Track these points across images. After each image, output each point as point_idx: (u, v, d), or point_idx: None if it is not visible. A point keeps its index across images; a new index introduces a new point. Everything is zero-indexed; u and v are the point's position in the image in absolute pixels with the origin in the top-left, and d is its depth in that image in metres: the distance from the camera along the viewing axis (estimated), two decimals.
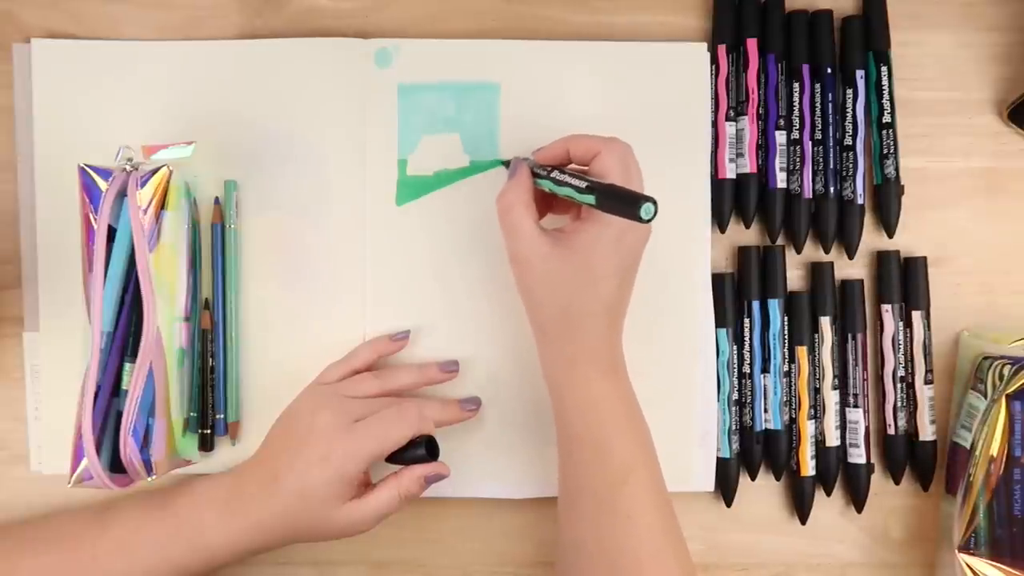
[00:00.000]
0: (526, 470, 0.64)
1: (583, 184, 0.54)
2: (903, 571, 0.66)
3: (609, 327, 0.57)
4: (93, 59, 0.64)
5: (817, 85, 0.66)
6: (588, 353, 0.57)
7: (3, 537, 0.61)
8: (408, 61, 0.64)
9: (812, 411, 0.65)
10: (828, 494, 0.66)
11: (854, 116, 0.65)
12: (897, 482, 0.66)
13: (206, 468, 0.63)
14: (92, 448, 0.57)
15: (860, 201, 0.65)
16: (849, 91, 0.66)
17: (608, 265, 0.55)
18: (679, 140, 0.65)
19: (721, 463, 0.65)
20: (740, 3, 0.66)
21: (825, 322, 0.65)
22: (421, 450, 0.59)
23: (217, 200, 0.64)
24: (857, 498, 0.65)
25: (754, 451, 0.65)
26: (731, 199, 0.65)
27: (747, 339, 0.65)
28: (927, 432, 0.65)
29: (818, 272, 0.66)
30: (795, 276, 0.67)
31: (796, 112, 0.65)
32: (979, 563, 0.60)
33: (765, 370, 0.65)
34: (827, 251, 0.66)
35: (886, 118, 0.65)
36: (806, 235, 0.66)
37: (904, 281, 0.66)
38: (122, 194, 0.58)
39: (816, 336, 0.65)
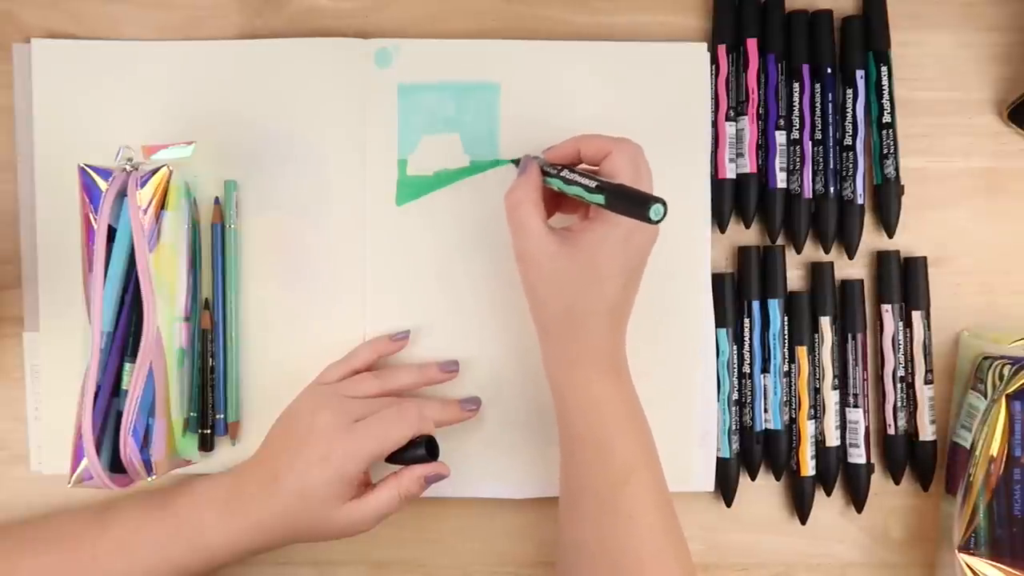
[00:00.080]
0: (526, 470, 0.64)
1: (593, 184, 0.54)
2: (903, 571, 0.66)
3: (613, 327, 0.57)
4: (93, 59, 0.64)
5: (817, 85, 0.66)
6: (591, 353, 0.57)
7: (3, 537, 0.61)
8: (408, 61, 0.64)
9: (812, 411, 0.65)
10: (828, 494, 0.66)
11: (854, 116, 0.65)
12: (897, 482, 0.66)
13: (206, 468, 0.63)
14: (92, 448, 0.57)
15: (860, 201, 0.65)
16: (849, 91, 0.66)
17: (614, 265, 0.55)
18: (679, 140, 0.65)
19: (721, 463, 0.65)
20: (740, 3, 0.66)
21: (825, 322, 0.65)
22: (421, 450, 0.59)
23: (217, 200, 0.64)
24: (857, 498, 0.65)
25: (754, 451, 0.65)
26: (731, 199, 0.66)
27: (747, 339, 0.65)
28: (927, 432, 0.65)
29: (818, 272, 0.66)
30: (795, 276, 0.67)
31: (796, 112, 0.65)
32: (979, 563, 0.60)
33: (765, 370, 0.65)
34: (827, 251, 0.66)
35: (886, 118, 0.65)
36: (806, 235, 0.66)
37: (904, 281, 0.66)
38: (122, 194, 0.58)
39: (816, 336, 0.65)
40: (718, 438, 0.65)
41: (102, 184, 0.58)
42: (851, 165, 0.65)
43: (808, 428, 0.65)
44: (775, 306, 0.65)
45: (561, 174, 0.56)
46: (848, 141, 0.65)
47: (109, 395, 0.58)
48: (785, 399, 0.65)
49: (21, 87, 0.64)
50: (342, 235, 0.64)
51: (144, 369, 0.58)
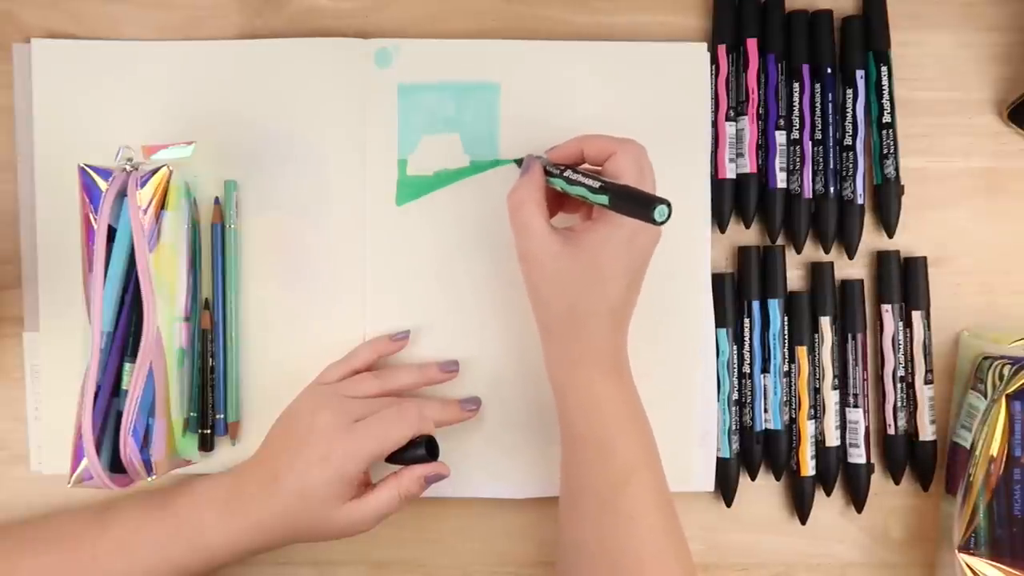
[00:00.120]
0: (527, 470, 0.64)
1: (597, 184, 0.54)
2: (903, 571, 0.66)
3: (615, 328, 0.57)
4: (93, 59, 0.64)
5: (817, 85, 0.66)
6: (593, 353, 0.57)
7: (3, 537, 0.61)
8: (408, 61, 0.64)
9: (812, 411, 0.65)
10: (828, 494, 0.66)
11: (854, 116, 0.65)
12: (897, 482, 0.66)
13: (206, 468, 0.63)
14: (92, 448, 0.57)
15: (860, 201, 0.65)
16: (849, 91, 0.66)
17: (617, 266, 0.55)
18: (679, 140, 0.65)
19: (721, 463, 0.65)
20: (740, 3, 0.66)
21: (825, 322, 0.65)
22: (421, 450, 0.59)
23: (217, 200, 0.64)
24: (857, 498, 0.65)
25: (754, 451, 0.65)
26: (731, 199, 0.66)
27: (747, 339, 0.65)
28: (927, 432, 0.65)
29: (818, 272, 0.66)
30: (795, 276, 0.67)
31: (796, 112, 0.65)
32: (979, 563, 0.60)
33: (765, 370, 0.65)
34: (827, 251, 0.66)
35: (886, 118, 0.65)
36: (806, 235, 0.66)
37: (904, 281, 0.66)
38: (122, 194, 0.58)
39: (816, 336, 0.65)
40: (718, 438, 0.65)
41: (102, 184, 0.58)
42: (851, 165, 0.65)
43: (808, 428, 0.65)
44: (775, 306, 0.65)
45: (564, 174, 0.56)
46: (848, 141, 0.65)
47: (109, 395, 0.58)
48: (785, 399, 0.65)
49: (21, 87, 0.64)
50: (342, 235, 0.64)
51: (144, 369, 0.58)
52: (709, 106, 0.65)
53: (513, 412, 0.64)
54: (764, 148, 0.66)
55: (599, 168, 0.57)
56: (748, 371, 0.65)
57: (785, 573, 0.66)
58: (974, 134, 0.67)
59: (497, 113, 0.65)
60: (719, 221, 0.66)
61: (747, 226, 0.66)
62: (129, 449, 0.57)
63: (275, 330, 0.64)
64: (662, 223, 0.51)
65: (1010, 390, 0.60)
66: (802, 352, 0.65)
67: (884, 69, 0.65)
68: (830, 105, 0.65)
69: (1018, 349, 0.63)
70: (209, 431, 0.63)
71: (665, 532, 0.56)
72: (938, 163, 0.67)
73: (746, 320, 0.65)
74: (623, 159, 0.56)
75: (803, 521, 0.66)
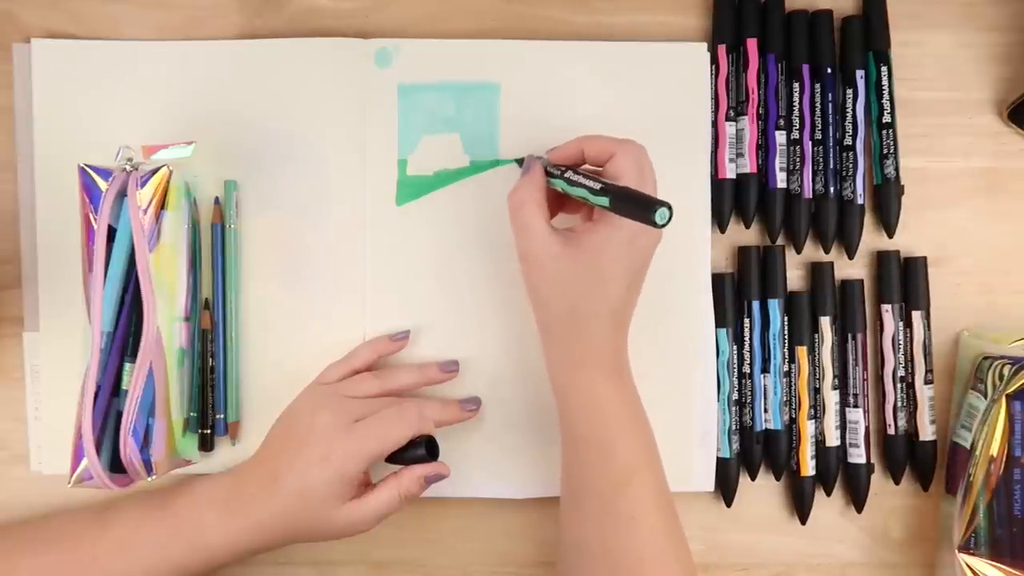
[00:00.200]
0: (527, 470, 0.64)
1: (597, 186, 0.54)
2: (903, 571, 0.66)
3: (615, 329, 0.57)
4: (93, 59, 0.64)
5: (817, 85, 0.66)
6: (594, 354, 0.57)
7: (3, 537, 0.61)
8: (408, 61, 0.64)
9: (812, 411, 0.65)
10: (828, 494, 0.66)
11: (854, 116, 0.65)
12: (897, 482, 0.66)
13: (206, 468, 0.63)
14: (92, 448, 0.57)
15: (860, 201, 0.65)
16: (849, 91, 0.66)
17: (618, 267, 0.55)
18: (679, 140, 0.65)
19: (721, 463, 0.65)
20: (740, 3, 0.66)
21: (825, 322, 0.65)
22: (421, 450, 0.59)
23: (217, 200, 0.64)
24: (857, 498, 0.65)
25: (754, 451, 0.65)
26: (731, 199, 0.66)
27: (747, 339, 0.65)
28: (927, 432, 0.65)
29: (818, 272, 0.66)
30: (795, 276, 0.67)
31: (796, 112, 0.65)
32: (979, 563, 0.60)
33: (765, 370, 0.65)
34: (827, 251, 0.66)
35: (886, 118, 0.65)
36: (806, 235, 0.66)
37: (904, 281, 0.66)
38: (122, 194, 0.58)
39: (816, 336, 0.65)
40: (718, 438, 0.65)
41: (102, 184, 0.58)
42: (851, 165, 0.65)
43: (808, 428, 0.65)
44: (775, 306, 0.65)
45: (565, 175, 0.56)
46: (848, 141, 0.65)
47: (109, 395, 0.58)
48: (785, 399, 0.65)
49: (21, 87, 0.64)
50: (342, 235, 0.64)
51: (144, 369, 0.58)
52: (709, 106, 0.65)
53: (513, 412, 0.64)
54: (764, 148, 0.66)
55: (600, 169, 0.57)
56: (748, 371, 0.65)
57: (785, 573, 0.66)
58: (974, 134, 0.67)
59: (497, 113, 0.65)
60: (719, 221, 0.66)
61: (747, 226, 0.66)
62: (129, 449, 0.57)
63: (275, 330, 0.64)
64: (663, 226, 0.51)
65: (1010, 390, 0.60)
66: (802, 352, 0.65)
67: (884, 69, 0.65)
68: (830, 105, 0.65)
69: (1018, 349, 0.63)
70: (209, 431, 0.63)
71: (666, 533, 0.56)
72: (938, 163, 0.67)
73: (746, 320, 0.65)
74: (624, 160, 0.56)
75: (803, 521, 0.66)
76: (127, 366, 0.58)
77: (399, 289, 0.64)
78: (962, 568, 0.61)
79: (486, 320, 0.64)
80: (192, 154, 0.59)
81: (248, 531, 0.58)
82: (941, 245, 0.66)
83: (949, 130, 0.67)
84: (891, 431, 0.65)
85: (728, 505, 0.65)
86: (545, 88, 0.65)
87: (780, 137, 0.65)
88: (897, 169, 0.65)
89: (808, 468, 0.65)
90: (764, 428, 0.65)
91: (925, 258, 0.66)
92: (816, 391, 0.65)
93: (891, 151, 0.65)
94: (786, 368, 0.65)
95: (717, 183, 0.65)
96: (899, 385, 0.65)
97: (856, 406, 0.65)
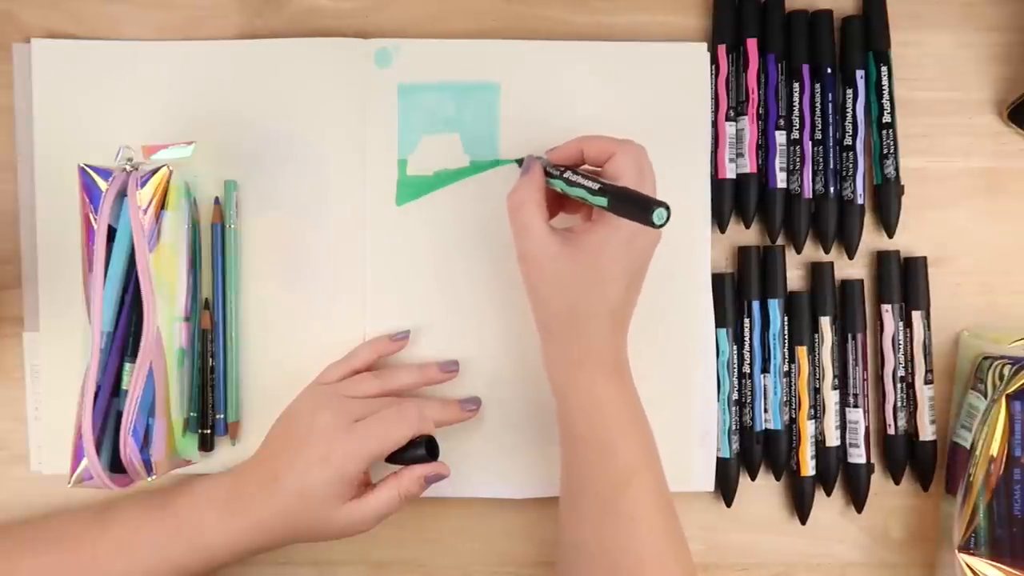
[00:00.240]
0: (527, 470, 0.64)
1: (596, 186, 0.54)
2: (903, 571, 0.66)
3: (615, 329, 0.57)
4: (93, 59, 0.64)
5: (817, 85, 0.66)
6: (593, 355, 0.57)
7: (3, 537, 0.61)
8: (408, 61, 0.64)
9: (812, 411, 0.65)
10: (828, 494, 0.66)
11: (854, 116, 0.65)
12: (897, 482, 0.66)
13: (206, 468, 0.63)
14: (92, 448, 0.57)
15: (860, 201, 0.65)
16: (849, 91, 0.66)
17: (617, 267, 0.55)
18: (679, 140, 0.65)
19: (721, 463, 0.65)
20: (740, 3, 0.66)
21: (825, 322, 0.65)
22: (421, 450, 0.59)
23: (217, 200, 0.64)
24: (857, 498, 0.65)
25: (754, 451, 0.65)
26: (731, 199, 0.65)
27: (747, 339, 0.65)
28: (927, 432, 0.65)
29: (818, 272, 0.66)
30: (795, 276, 0.67)
31: (796, 112, 0.65)
32: (979, 563, 0.60)
33: (765, 370, 0.65)
34: (827, 251, 0.66)
35: (886, 118, 0.65)
36: (806, 235, 0.66)
37: (904, 281, 0.66)
38: (122, 194, 0.58)
39: (816, 336, 0.65)
40: (718, 438, 0.65)
41: (102, 184, 0.58)
42: (851, 165, 0.65)
43: (808, 428, 0.65)
44: (775, 306, 0.65)
45: (564, 175, 0.56)
46: (848, 141, 0.65)
47: (109, 395, 0.58)
48: (785, 399, 0.65)
49: (21, 87, 0.64)
50: (342, 235, 0.64)
51: (144, 369, 0.58)
52: (709, 106, 0.65)
53: (513, 412, 0.64)
54: (764, 148, 0.66)
55: (599, 169, 0.57)
56: (748, 371, 0.65)
57: (785, 573, 0.66)
58: (974, 134, 0.67)
59: (497, 113, 0.65)
60: (719, 221, 0.66)
61: (747, 226, 0.66)
62: (129, 449, 0.57)
63: (275, 330, 0.64)
64: (660, 226, 0.51)
65: (1010, 390, 0.60)
66: (802, 352, 0.65)
67: (884, 69, 0.65)
68: (830, 105, 0.65)
69: (1018, 349, 0.63)
70: (209, 431, 0.63)
71: (665, 533, 0.56)
72: (938, 163, 0.67)
73: (746, 320, 0.65)
74: (623, 160, 0.56)
75: (803, 521, 0.66)
76: (127, 366, 0.58)
77: (399, 289, 0.64)
78: (962, 568, 0.61)
79: (486, 320, 0.64)
80: (192, 154, 0.59)
81: (248, 531, 0.58)
82: (941, 245, 0.66)
83: (949, 130, 0.67)
84: (891, 431, 0.65)
85: (728, 505, 0.65)
86: (545, 88, 0.65)
87: (780, 137, 0.65)
88: (897, 169, 0.65)
89: (808, 468, 0.65)
90: (764, 428, 0.65)
91: (925, 258, 0.66)
92: (816, 391, 0.65)
93: (891, 151, 0.65)
94: (786, 368, 0.65)
95: (717, 183, 0.65)
96: (899, 385, 0.65)
97: (856, 406, 0.65)
